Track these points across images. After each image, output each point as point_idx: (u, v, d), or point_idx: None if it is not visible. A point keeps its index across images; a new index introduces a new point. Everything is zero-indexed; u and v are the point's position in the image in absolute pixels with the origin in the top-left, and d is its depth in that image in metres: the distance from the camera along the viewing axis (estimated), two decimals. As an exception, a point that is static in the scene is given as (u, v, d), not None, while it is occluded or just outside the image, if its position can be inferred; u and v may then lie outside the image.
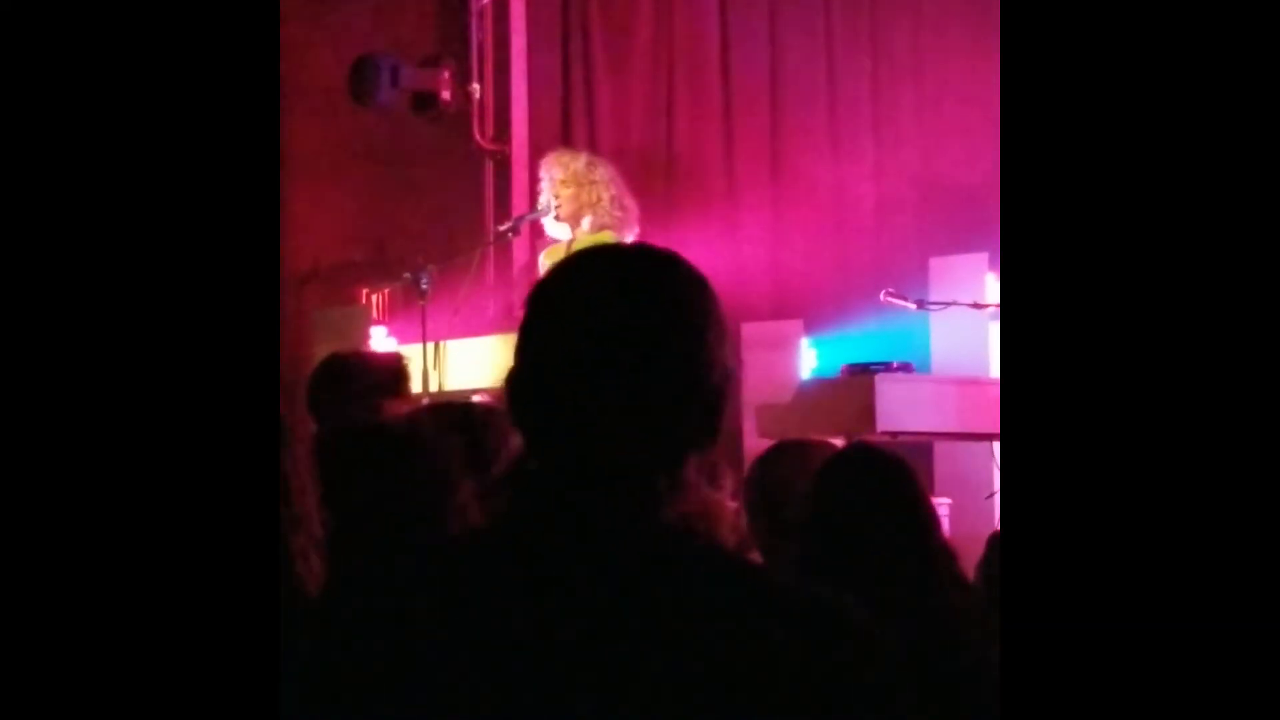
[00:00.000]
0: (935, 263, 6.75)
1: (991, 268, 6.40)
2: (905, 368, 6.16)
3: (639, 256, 1.69)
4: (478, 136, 8.76)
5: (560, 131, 8.51)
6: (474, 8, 8.79)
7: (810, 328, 6.99)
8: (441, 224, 8.50)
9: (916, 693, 1.56)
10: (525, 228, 7.58)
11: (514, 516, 1.61)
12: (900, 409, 5.92)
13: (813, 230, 7.77)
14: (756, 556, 3.34)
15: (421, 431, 2.94)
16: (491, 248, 8.09)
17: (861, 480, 3.07)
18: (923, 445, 6.12)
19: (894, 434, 5.76)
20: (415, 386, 6.37)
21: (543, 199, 6.76)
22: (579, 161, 6.78)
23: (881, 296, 6.29)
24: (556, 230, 6.77)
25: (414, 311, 6.86)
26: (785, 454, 3.53)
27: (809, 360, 6.85)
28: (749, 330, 6.65)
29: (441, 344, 6.82)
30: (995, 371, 6.17)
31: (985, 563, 3.53)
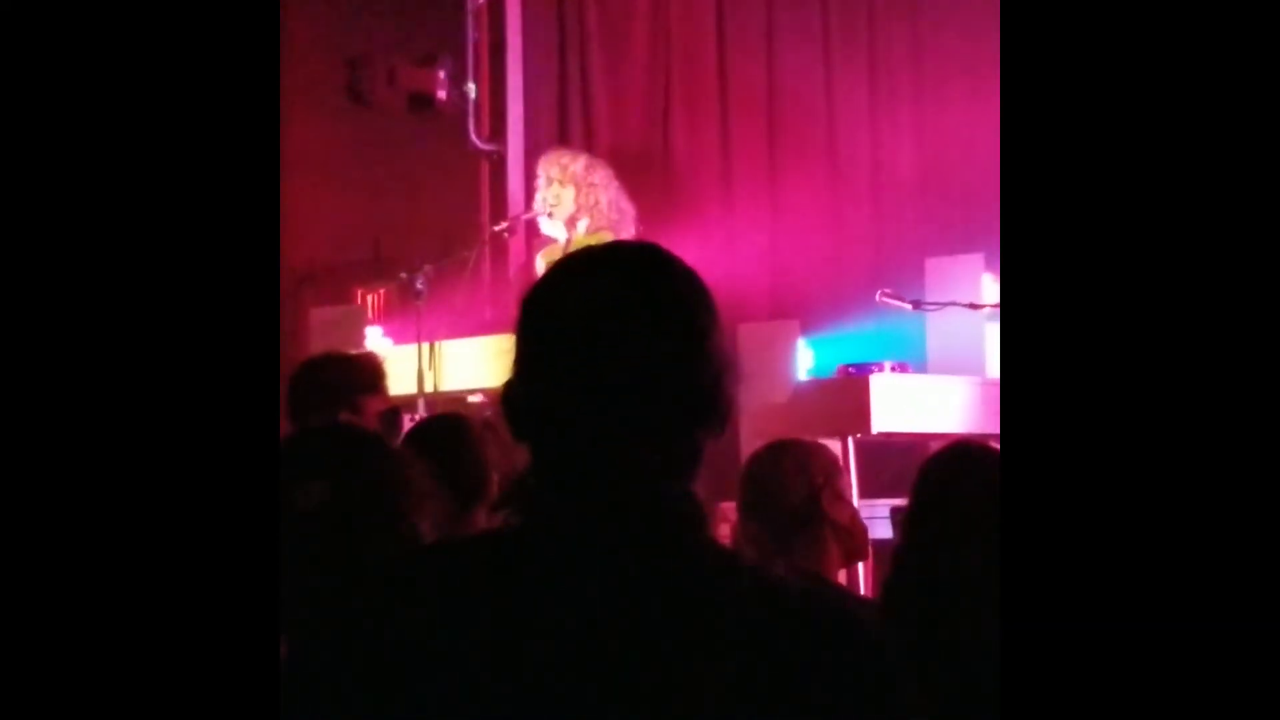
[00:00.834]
0: (931, 263, 6.75)
1: (988, 268, 6.41)
2: (901, 368, 6.16)
3: (627, 258, 1.67)
4: (474, 136, 8.76)
5: (556, 132, 8.50)
6: (470, 8, 8.78)
7: (807, 328, 6.98)
8: (437, 224, 8.48)
9: (919, 693, 1.56)
10: (522, 228, 7.57)
11: (523, 527, 1.60)
12: (896, 409, 5.93)
13: (809, 231, 7.78)
14: (750, 554, 3.35)
15: (376, 434, 2.92)
16: (487, 248, 8.08)
17: (976, 473, 3.06)
18: (918, 446, 6.12)
19: (889, 434, 5.76)
20: (413, 387, 6.42)
21: (540, 199, 6.74)
22: (578, 162, 6.74)
23: (878, 297, 6.29)
24: (553, 231, 6.74)
25: (410, 311, 6.85)
26: (779, 453, 3.54)
27: (805, 360, 6.84)
28: (745, 330, 6.64)
29: (437, 344, 6.80)
30: (992, 372, 6.18)
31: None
